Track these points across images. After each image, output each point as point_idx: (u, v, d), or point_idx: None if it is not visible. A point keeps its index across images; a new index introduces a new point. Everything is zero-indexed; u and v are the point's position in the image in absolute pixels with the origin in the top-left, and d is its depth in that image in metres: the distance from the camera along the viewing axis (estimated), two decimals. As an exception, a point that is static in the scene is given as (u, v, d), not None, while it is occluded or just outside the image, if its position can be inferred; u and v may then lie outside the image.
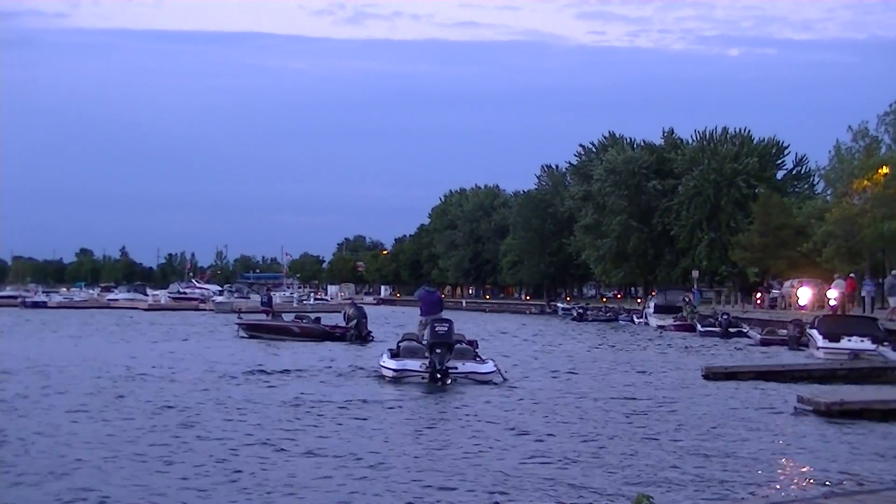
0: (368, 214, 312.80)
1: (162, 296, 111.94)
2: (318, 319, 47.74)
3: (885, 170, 52.96)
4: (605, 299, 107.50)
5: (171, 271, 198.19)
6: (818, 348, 34.09)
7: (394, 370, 25.23)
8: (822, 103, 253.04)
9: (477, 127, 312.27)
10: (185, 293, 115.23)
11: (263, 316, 52.37)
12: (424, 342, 25.29)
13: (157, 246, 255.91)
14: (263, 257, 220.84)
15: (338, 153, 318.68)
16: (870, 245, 54.81)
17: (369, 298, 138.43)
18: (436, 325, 24.80)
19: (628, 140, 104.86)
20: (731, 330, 49.29)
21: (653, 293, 77.77)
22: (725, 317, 52.16)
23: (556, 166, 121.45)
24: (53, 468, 13.59)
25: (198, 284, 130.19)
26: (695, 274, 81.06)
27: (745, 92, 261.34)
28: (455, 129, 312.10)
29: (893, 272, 44.98)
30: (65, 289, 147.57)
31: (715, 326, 51.02)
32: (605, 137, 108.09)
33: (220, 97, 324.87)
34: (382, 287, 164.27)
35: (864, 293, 47.91)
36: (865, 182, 54.05)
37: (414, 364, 25.01)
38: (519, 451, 15.19)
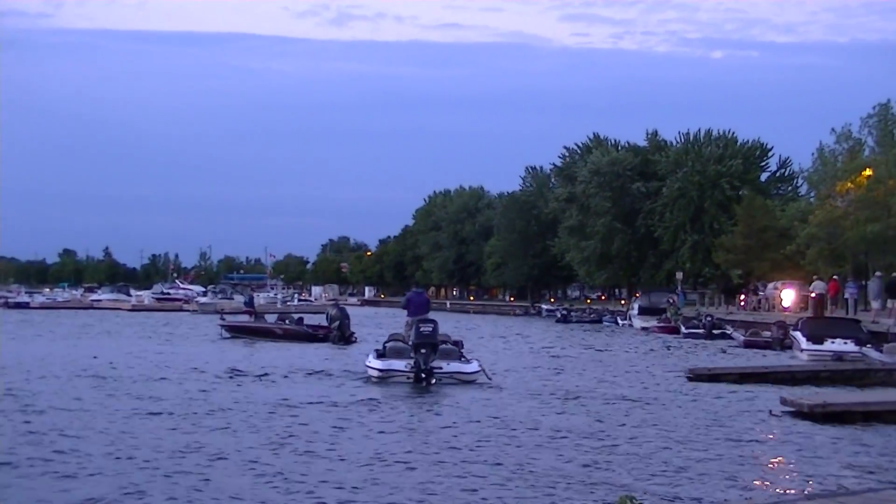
0: (353, 216, 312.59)
1: (145, 296, 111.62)
2: (300, 320, 47.67)
3: (867, 172, 53.11)
4: (589, 301, 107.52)
5: (155, 272, 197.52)
6: (802, 350, 34.21)
7: (379, 370, 25.39)
8: (806, 106, 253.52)
9: (461, 128, 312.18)
10: (168, 294, 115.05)
11: (246, 317, 52.19)
12: (410, 343, 25.44)
13: (140, 247, 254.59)
14: (247, 258, 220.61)
15: (322, 154, 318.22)
16: (853, 247, 54.94)
17: (353, 299, 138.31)
18: (420, 325, 25.00)
19: (612, 142, 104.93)
20: (715, 332, 49.42)
21: (637, 295, 77.86)
22: (709, 319, 52.27)
23: (541, 168, 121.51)
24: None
25: (181, 285, 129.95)
26: (678, 276, 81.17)
27: (729, 94, 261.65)
28: (439, 130, 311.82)
29: (877, 274, 45.15)
30: (48, 289, 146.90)
31: (699, 328, 51.11)
32: (589, 139, 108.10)
33: (203, 98, 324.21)
34: (366, 288, 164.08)
35: (847, 295, 48.04)
36: (848, 184, 54.20)
37: (399, 364, 25.14)
38: (501, 452, 15.17)
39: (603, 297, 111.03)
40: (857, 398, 20.70)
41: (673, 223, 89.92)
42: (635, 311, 68.46)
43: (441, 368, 24.79)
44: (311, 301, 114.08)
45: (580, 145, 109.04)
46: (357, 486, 12.58)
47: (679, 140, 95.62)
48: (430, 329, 24.90)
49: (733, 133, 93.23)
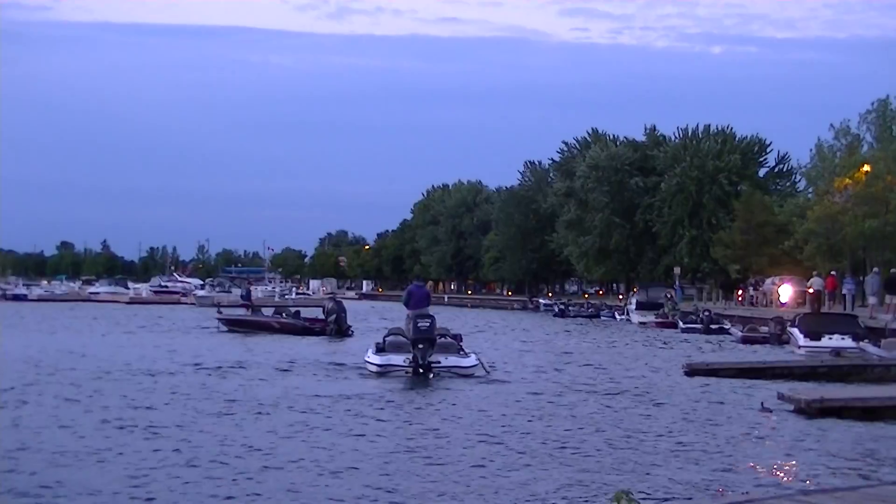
0: (351, 209, 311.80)
1: (143, 289, 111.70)
2: (297, 314, 47.74)
3: (866, 168, 53.13)
4: (587, 296, 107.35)
5: (153, 265, 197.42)
6: (799, 346, 34.21)
7: (378, 365, 25.71)
8: (805, 101, 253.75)
9: (460, 123, 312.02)
10: (166, 287, 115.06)
11: (243, 310, 52.17)
12: (409, 337, 25.67)
13: (138, 239, 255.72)
14: (245, 251, 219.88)
15: (321, 148, 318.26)
16: (851, 243, 54.96)
17: (351, 293, 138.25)
18: (418, 321, 25.21)
19: (611, 137, 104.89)
20: (713, 327, 49.43)
21: (635, 290, 77.87)
22: (707, 314, 52.28)
23: (539, 163, 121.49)
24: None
25: (179, 278, 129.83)
26: (677, 271, 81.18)
27: (728, 89, 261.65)
28: (438, 124, 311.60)
29: (874, 270, 45.18)
30: (46, 282, 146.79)
31: (696, 323, 51.08)
32: (588, 134, 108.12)
33: (202, 91, 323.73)
34: (364, 282, 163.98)
35: (844, 291, 48.03)
36: (847, 180, 54.20)
37: (398, 359, 25.48)
38: (496, 446, 15.16)
39: (601, 292, 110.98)
40: (855, 394, 20.68)
41: (671, 218, 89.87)
42: (633, 306, 68.44)
43: (439, 363, 25.15)
44: (308, 295, 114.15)
45: (579, 140, 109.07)
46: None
47: (677, 135, 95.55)
48: (428, 325, 25.18)
49: (732, 128, 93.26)
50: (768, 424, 17.99)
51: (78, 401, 20.13)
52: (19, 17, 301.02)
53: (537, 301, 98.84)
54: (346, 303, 50.04)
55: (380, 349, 26.60)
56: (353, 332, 43.24)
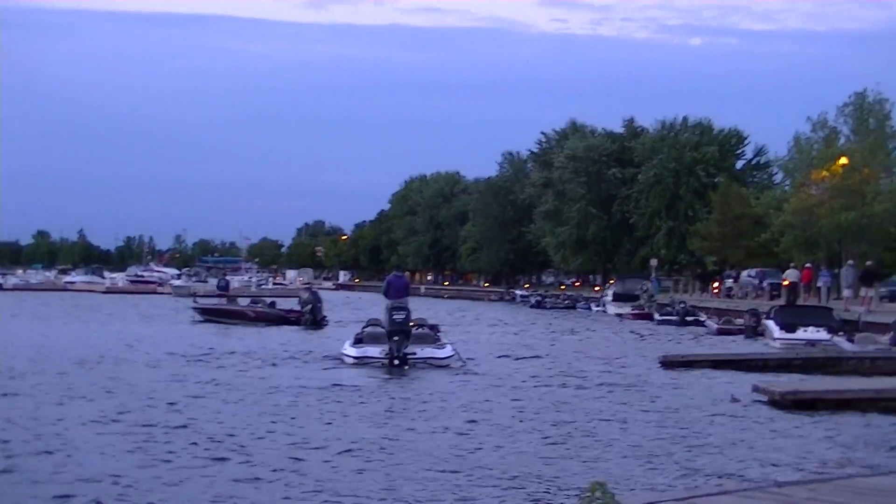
0: (328, 199, 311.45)
1: (119, 279, 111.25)
2: (273, 304, 47.84)
3: (843, 160, 53.29)
4: (563, 287, 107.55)
5: (130, 254, 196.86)
6: (774, 338, 34.31)
7: (354, 357, 26.02)
8: (783, 94, 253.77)
9: (438, 113, 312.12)
10: (142, 276, 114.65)
11: (219, 300, 52.08)
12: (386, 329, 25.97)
13: (115, 229, 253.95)
14: (222, 241, 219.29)
15: (299, 137, 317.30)
16: (827, 235, 55.13)
17: (328, 283, 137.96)
18: (393, 313, 25.47)
19: (589, 128, 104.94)
20: (689, 319, 49.54)
21: (611, 281, 78.03)
22: (683, 305, 52.40)
23: (517, 153, 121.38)
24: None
25: (156, 268, 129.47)
26: (653, 262, 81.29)
27: (707, 81, 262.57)
28: (416, 114, 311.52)
29: (849, 262, 45.33)
30: (21, 271, 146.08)
31: (672, 315, 51.19)
32: (566, 125, 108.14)
33: (181, 80, 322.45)
34: (341, 272, 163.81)
35: (820, 283, 48.16)
36: (824, 173, 54.36)
37: (374, 350, 25.80)
38: (468, 437, 15.11)
39: (577, 284, 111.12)
40: (829, 386, 20.71)
41: (648, 210, 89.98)
42: (609, 298, 68.58)
43: (415, 354, 25.37)
44: (285, 285, 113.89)
45: (557, 131, 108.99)
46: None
47: (656, 127, 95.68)
48: (403, 317, 25.48)
49: (710, 120, 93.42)
50: (742, 416, 17.96)
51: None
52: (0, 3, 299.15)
53: (514, 292, 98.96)
54: (322, 293, 50.06)
55: (358, 340, 26.93)
56: (327, 321, 43.28)
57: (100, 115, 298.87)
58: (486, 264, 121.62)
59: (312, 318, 42.90)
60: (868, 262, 44.20)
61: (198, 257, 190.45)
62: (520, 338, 40.49)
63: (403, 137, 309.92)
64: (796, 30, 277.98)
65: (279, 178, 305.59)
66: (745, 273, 63.21)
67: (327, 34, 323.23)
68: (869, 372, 25.00)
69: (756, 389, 19.93)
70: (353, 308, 60.25)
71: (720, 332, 42.77)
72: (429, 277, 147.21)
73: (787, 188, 65.76)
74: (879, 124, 57.33)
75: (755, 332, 39.42)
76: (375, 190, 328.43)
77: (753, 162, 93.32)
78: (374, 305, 41.12)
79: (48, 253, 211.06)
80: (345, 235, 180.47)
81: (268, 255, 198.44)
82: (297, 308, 45.20)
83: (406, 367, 24.60)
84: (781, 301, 45.78)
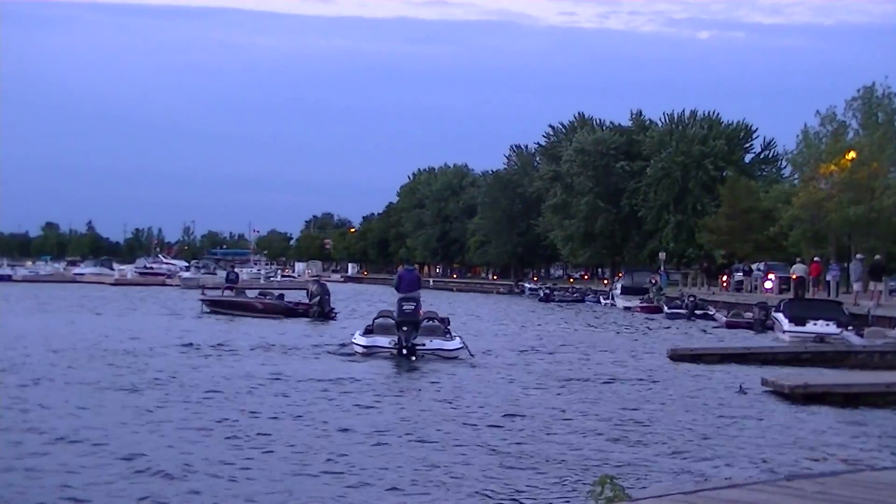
0: (337, 192, 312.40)
1: (128, 271, 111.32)
2: (281, 296, 47.77)
3: (851, 154, 53.15)
4: (572, 280, 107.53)
5: (138, 246, 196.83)
6: (783, 332, 34.30)
7: (364, 346, 26.30)
8: (791, 88, 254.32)
9: (446, 106, 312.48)
10: (151, 268, 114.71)
11: (227, 292, 52.06)
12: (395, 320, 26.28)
13: (124, 220, 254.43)
14: (231, 233, 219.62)
15: (307, 130, 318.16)
16: (835, 229, 55.03)
17: (336, 276, 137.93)
18: (403, 304, 25.76)
19: (597, 121, 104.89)
20: (698, 312, 49.44)
21: (620, 274, 77.92)
22: (692, 299, 52.32)
23: (525, 146, 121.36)
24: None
25: (164, 260, 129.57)
26: (662, 256, 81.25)
27: (715, 75, 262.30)
28: (424, 107, 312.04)
29: (857, 256, 45.27)
30: (30, 262, 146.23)
31: (681, 308, 51.13)
32: (574, 118, 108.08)
33: (188, 72, 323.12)
34: (350, 265, 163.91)
35: (829, 277, 48.12)
36: (832, 167, 54.22)
37: (383, 340, 26.08)
38: (479, 429, 15.14)
39: (586, 277, 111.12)
40: (838, 380, 20.71)
41: (657, 203, 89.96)
42: (618, 291, 68.52)
43: (424, 345, 25.51)
44: (294, 277, 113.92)
45: (565, 124, 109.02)
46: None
47: (664, 120, 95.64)
48: (412, 308, 25.78)
49: (718, 114, 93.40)
50: (751, 410, 17.97)
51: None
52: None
53: (522, 285, 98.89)
54: (330, 286, 50.13)
55: (368, 330, 27.33)
56: (336, 314, 43.32)
57: (109, 108, 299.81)
58: (495, 257, 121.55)
59: (320, 311, 42.91)
60: (877, 257, 44.16)
61: (206, 250, 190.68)
62: (530, 331, 40.48)
63: (411, 130, 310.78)
64: (804, 23, 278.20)
65: (288, 171, 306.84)
66: (754, 266, 63.11)
67: (334, 27, 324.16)
68: (878, 366, 25.04)
69: (765, 383, 19.95)
70: (362, 301, 60.26)
71: (729, 326, 42.69)
72: (437, 270, 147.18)
73: (795, 182, 65.63)
74: (888, 118, 57.09)
75: (764, 325, 39.40)
76: (384, 183, 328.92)
77: (762, 156, 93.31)
78: (382, 298, 41.15)
79: (57, 244, 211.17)
80: (353, 228, 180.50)
81: (276, 248, 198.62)
82: (306, 300, 45.20)
83: (414, 358, 24.70)
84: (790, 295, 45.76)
